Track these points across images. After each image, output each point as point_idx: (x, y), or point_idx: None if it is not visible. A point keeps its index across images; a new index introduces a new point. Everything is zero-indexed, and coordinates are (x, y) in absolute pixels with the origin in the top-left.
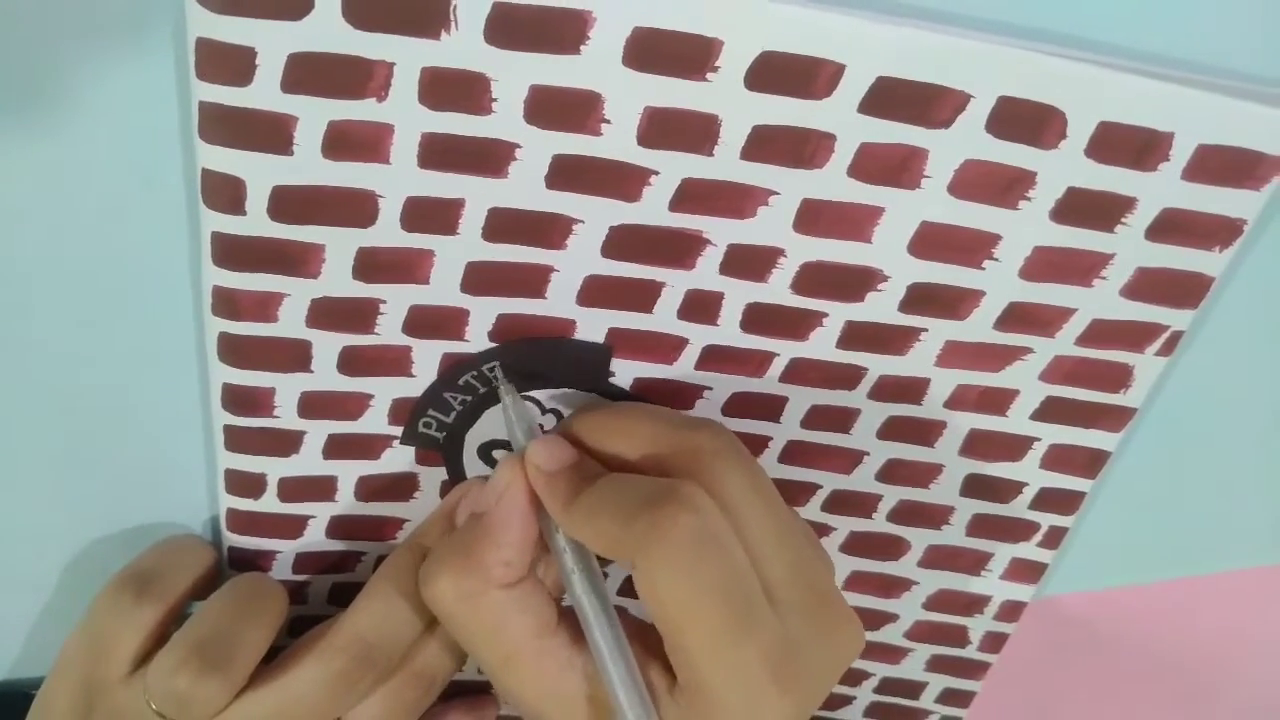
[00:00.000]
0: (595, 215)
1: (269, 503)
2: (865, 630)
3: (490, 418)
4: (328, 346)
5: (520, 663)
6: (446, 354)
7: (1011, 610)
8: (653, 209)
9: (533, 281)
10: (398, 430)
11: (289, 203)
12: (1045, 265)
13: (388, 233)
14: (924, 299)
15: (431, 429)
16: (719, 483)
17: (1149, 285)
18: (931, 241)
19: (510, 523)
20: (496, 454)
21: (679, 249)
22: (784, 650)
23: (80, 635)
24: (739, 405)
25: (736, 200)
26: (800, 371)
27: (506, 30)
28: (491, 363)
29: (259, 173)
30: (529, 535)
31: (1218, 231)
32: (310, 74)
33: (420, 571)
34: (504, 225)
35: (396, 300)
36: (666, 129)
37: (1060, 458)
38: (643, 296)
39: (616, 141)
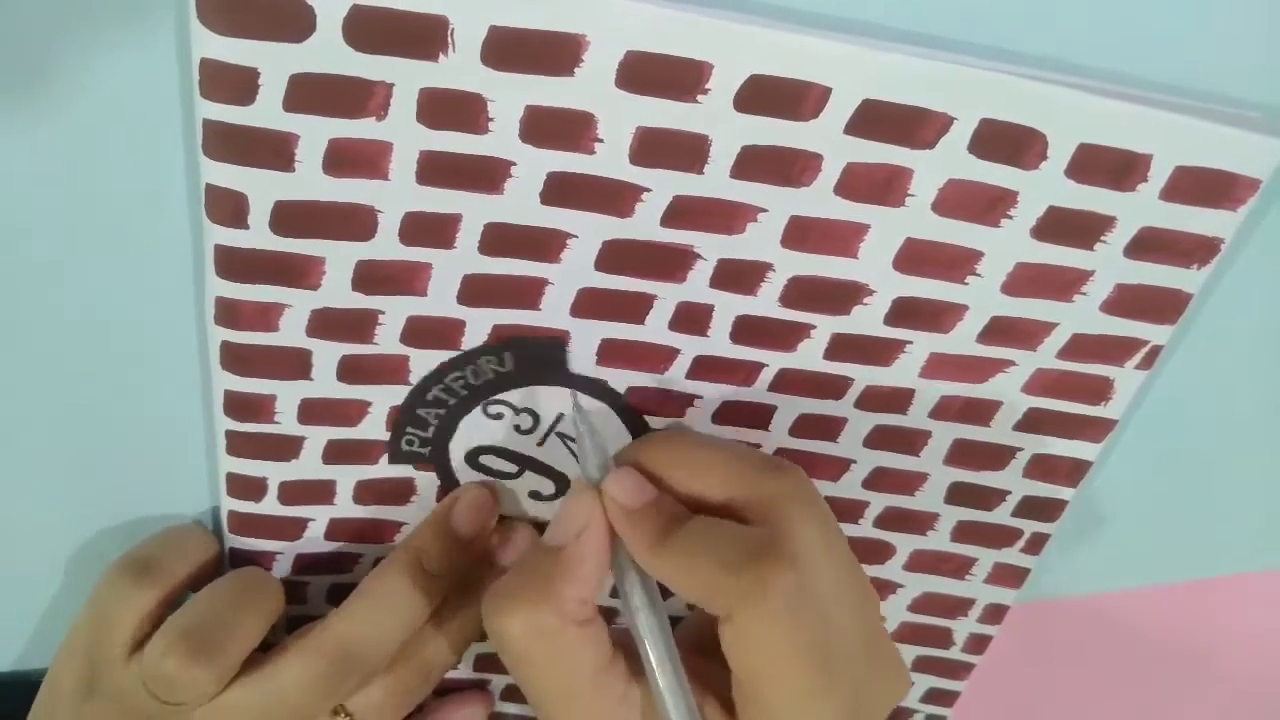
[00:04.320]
0: (589, 230)
1: (269, 505)
2: None
3: (467, 426)
4: (327, 355)
5: (579, 698)
6: (443, 364)
7: (995, 613)
8: (645, 224)
9: (528, 293)
10: None
11: (290, 217)
12: (1027, 281)
13: (386, 246)
14: (909, 312)
15: (415, 445)
16: (796, 531)
17: (1128, 301)
18: (916, 257)
19: (588, 558)
20: (484, 460)
21: (670, 263)
22: (854, 708)
23: (84, 616)
24: (729, 414)
25: (726, 217)
26: (788, 381)
27: (502, 52)
28: (455, 372)
29: (261, 188)
30: (604, 572)
31: (1195, 250)
32: (312, 94)
33: (487, 603)
34: (500, 239)
35: (395, 311)
36: (658, 148)
37: (1042, 467)
38: (635, 308)
39: (609, 160)
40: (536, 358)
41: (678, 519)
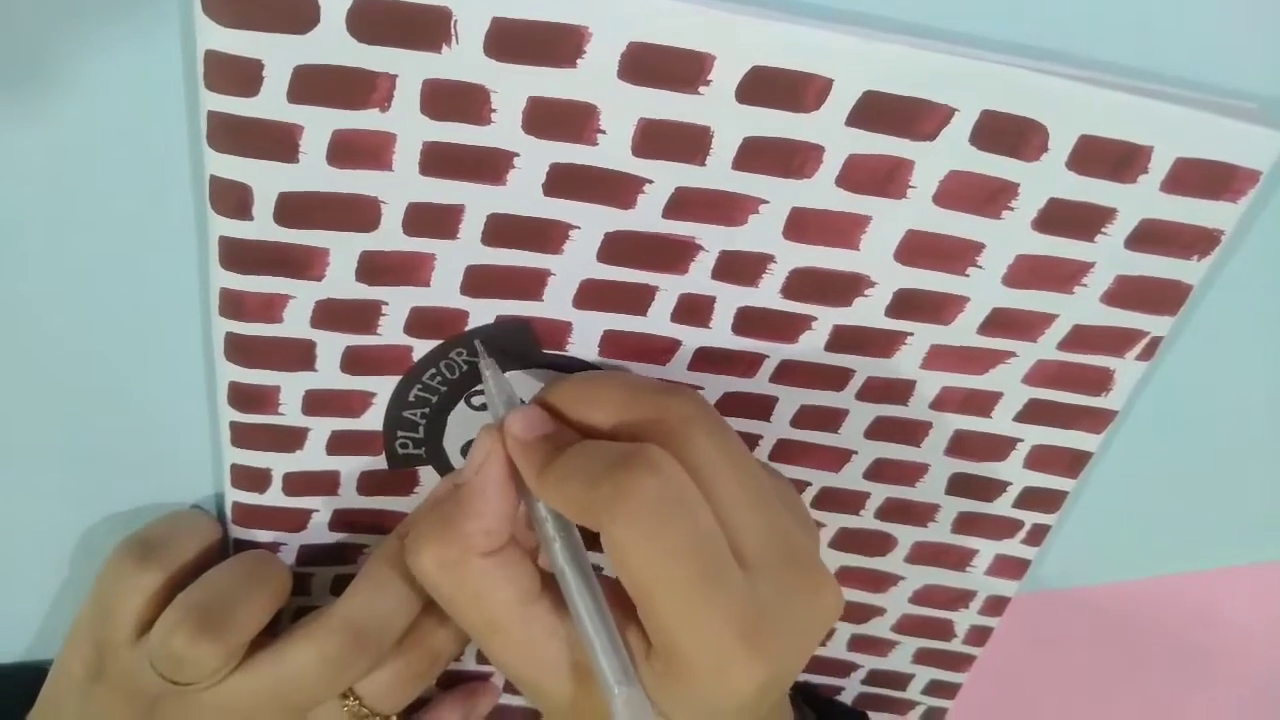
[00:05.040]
0: (591, 221)
1: (273, 496)
2: (853, 624)
3: (454, 422)
4: (331, 346)
5: (504, 630)
6: (417, 363)
7: (996, 605)
8: (647, 216)
9: (530, 285)
10: None
11: (294, 208)
12: (1028, 272)
13: (390, 237)
14: (910, 304)
15: (409, 448)
16: (689, 447)
17: (1129, 292)
18: (917, 249)
19: (488, 492)
20: None
21: (672, 254)
22: (754, 612)
23: (90, 601)
24: (730, 404)
25: (728, 208)
26: (790, 373)
27: (505, 44)
28: (430, 370)
29: (266, 179)
30: (507, 503)
31: (1196, 241)
32: (315, 85)
33: (405, 543)
34: (503, 230)
35: (398, 302)
36: (660, 140)
37: (1043, 458)
38: (637, 300)
39: (612, 151)
40: (505, 344)
41: (566, 446)
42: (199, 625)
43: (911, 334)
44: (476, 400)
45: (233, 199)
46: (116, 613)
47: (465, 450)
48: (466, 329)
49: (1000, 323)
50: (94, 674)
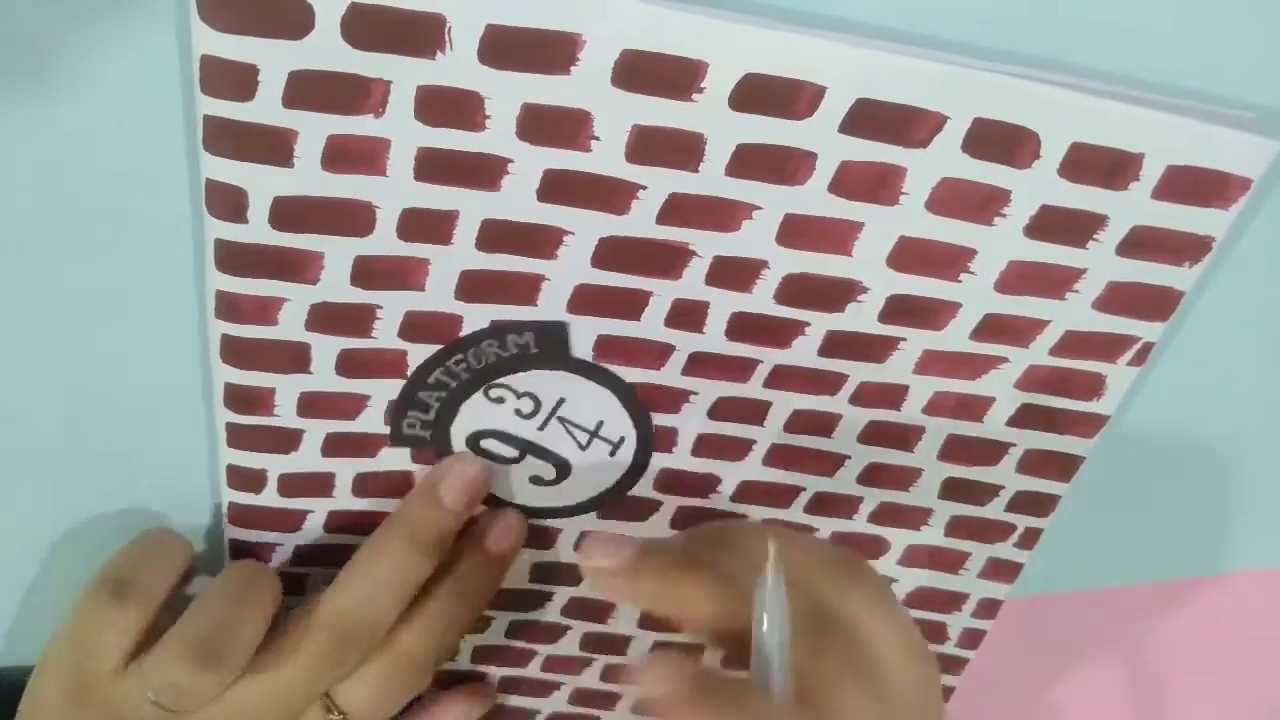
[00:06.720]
0: (585, 227)
1: (269, 497)
2: None
3: (468, 410)
4: (326, 349)
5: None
6: (446, 347)
7: (989, 608)
8: (641, 222)
9: (525, 289)
10: None
11: (289, 212)
12: (1020, 279)
13: (385, 242)
14: (903, 310)
15: (416, 428)
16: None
17: (1120, 299)
18: (910, 255)
19: None
20: (485, 444)
21: (666, 260)
22: None
23: (64, 638)
24: (724, 409)
25: (721, 214)
26: (783, 378)
27: (499, 51)
28: (458, 356)
29: (261, 183)
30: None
31: (1187, 248)
32: (310, 90)
33: None
34: (497, 235)
35: (393, 306)
36: (653, 146)
37: (1035, 462)
38: (631, 305)
39: (605, 157)
40: (539, 342)
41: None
42: (202, 658)
43: (904, 339)
44: (494, 393)
45: (228, 202)
46: (98, 651)
47: (470, 440)
48: (473, 330)
49: (992, 328)
50: (76, 699)
